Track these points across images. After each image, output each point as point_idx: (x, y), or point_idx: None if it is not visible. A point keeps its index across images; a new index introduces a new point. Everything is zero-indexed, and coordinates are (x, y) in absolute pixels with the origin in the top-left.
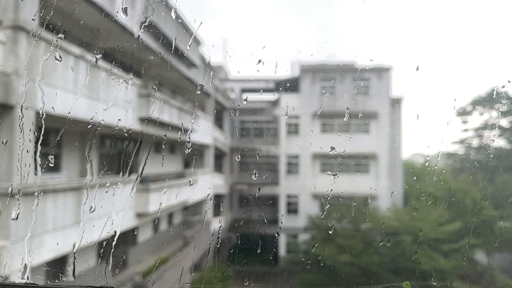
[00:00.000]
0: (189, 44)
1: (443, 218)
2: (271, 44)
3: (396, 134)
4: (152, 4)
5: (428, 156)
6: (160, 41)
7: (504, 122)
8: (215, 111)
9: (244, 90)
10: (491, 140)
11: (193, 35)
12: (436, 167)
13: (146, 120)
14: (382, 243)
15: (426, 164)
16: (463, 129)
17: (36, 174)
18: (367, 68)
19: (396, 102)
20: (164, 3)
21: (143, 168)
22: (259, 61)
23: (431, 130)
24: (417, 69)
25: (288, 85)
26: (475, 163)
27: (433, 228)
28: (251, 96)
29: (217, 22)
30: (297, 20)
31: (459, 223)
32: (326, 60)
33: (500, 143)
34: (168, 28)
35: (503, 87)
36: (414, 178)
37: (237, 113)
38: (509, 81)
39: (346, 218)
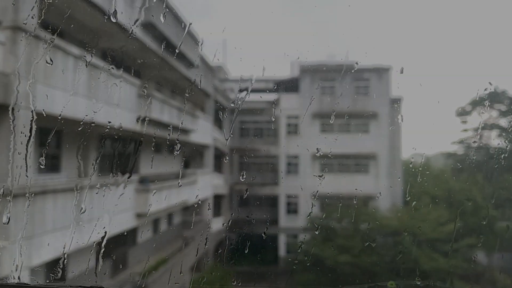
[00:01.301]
0: (180, 44)
1: (430, 218)
2: (270, 45)
3: (395, 134)
4: (143, 7)
5: (413, 158)
6: (155, 42)
7: (502, 122)
8: (214, 111)
9: (242, 90)
10: (474, 142)
11: (184, 35)
12: (420, 168)
13: (141, 120)
14: (367, 244)
15: (411, 165)
16: (463, 129)
17: (27, 176)
18: (353, 71)
19: (395, 102)
20: (154, 4)
21: (132, 169)
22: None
23: (423, 130)
24: (401, 71)
25: (275, 86)
26: (458, 163)
27: (418, 227)
28: (250, 96)
29: (215, 22)
30: (293, 21)
31: (445, 222)
32: (326, 60)
33: (496, 142)
34: (165, 28)
35: (485, 90)
36: (399, 179)
37: (225, 115)
38: (490, 83)
39: (333, 219)
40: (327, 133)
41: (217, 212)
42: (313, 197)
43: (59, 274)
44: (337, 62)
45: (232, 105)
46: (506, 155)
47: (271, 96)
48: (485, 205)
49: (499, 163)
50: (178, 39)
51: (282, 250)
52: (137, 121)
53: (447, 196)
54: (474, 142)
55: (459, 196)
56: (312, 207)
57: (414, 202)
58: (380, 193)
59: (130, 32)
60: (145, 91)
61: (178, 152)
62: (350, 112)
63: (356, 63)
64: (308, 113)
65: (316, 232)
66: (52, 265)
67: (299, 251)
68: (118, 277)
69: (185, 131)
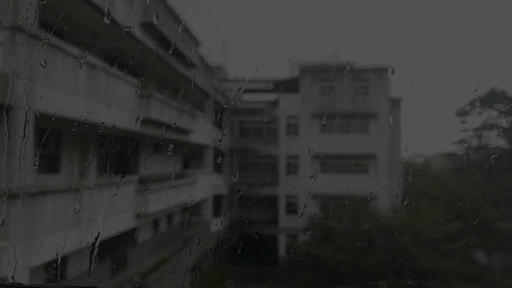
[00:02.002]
0: (174, 43)
1: (423, 218)
2: (270, 45)
3: (395, 134)
4: (135, 9)
5: (404, 158)
6: (155, 42)
7: (495, 123)
8: (213, 112)
9: (238, 91)
10: (464, 142)
11: (179, 36)
12: (411, 169)
13: (135, 121)
14: (359, 243)
15: (402, 166)
16: (462, 129)
17: (21, 177)
18: (345, 72)
19: (395, 102)
20: (154, 5)
21: (125, 169)
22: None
23: (422, 130)
24: (393, 72)
25: (267, 86)
26: (449, 164)
27: (409, 228)
28: (249, 96)
29: (217, 23)
30: (293, 21)
31: (438, 222)
32: (325, 61)
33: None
34: (164, 29)
35: (475, 90)
36: (390, 179)
37: (219, 116)
38: (480, 85)
39: (327, 218)
40: (327, 133)
41: (216, 212)
42: (307, 198)
43: (53, 274)
44: (337, 62)
45: (225, 105)
46: (496, 155)
47: (271, 97)
48: (477, 205)
49: (490, 163)
50: (179, 40)
51: (282, 250)
52: (134, 122)
53: (438, 196)
54: (465, 142)
55: (451, 196)
56: (305, 207)
57: (406, 202)
58: (371, 193)
59: (124, 32)
60: (138, 92)
61: (171, 153)
62: (350, 112)
63: (348, 64)
64: (308, 113)
65: (308, 232)
66: (52, 266)
67: (291, 251)
68: (116, 278)
69: (184, 131)
